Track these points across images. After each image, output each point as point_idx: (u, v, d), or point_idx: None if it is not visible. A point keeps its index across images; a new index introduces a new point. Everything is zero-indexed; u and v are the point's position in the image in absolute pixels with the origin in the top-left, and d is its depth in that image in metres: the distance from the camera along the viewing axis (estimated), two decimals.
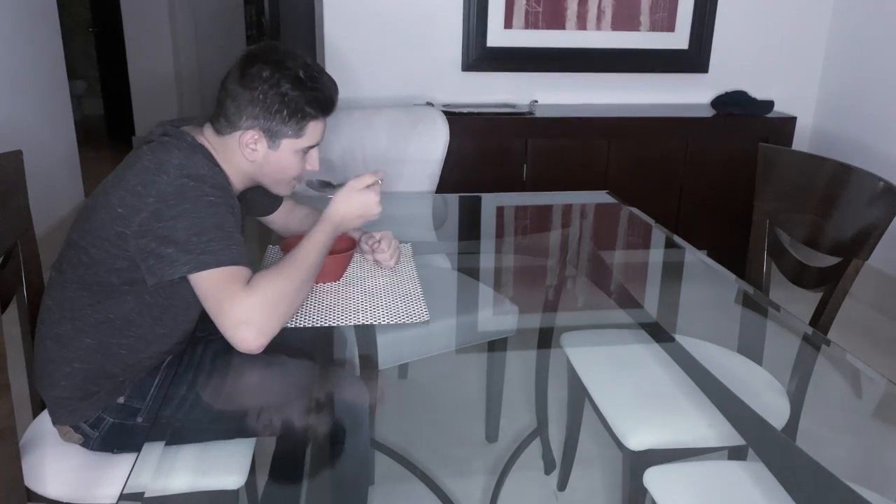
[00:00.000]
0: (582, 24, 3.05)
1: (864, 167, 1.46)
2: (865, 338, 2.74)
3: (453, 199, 2.28)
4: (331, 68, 2.94)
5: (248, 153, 1.25)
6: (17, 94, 3.16)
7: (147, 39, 5.39)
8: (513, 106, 3.00)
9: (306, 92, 1.23)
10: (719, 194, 3.00)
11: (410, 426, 1.93)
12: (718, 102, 3.10)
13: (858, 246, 1.40)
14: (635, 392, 1.39)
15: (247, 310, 1.09)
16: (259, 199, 1.50)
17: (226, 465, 1.17)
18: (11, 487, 1.08)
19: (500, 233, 2.13)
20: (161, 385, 1.27)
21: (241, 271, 1.12)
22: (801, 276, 1.55)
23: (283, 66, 1.22)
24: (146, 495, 0.92)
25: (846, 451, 1.12)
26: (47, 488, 1.19)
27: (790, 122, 3.00)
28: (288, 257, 1.20)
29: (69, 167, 3.78)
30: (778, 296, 1.58)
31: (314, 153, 1.32)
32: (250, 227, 1.52)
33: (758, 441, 1.18)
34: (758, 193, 1.70)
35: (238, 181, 1.29)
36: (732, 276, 1.64)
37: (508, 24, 3.01)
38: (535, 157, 2.84)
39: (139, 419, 1.25)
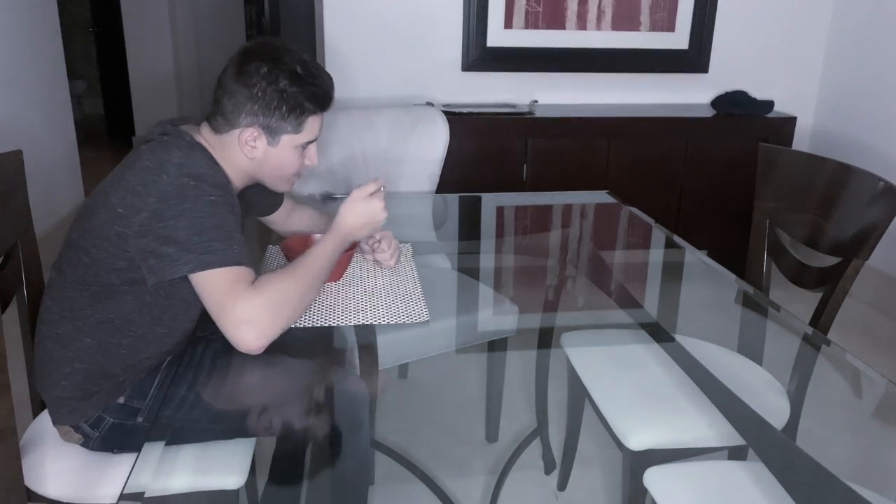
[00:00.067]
0: (582, 24, 3.05)
1: (864, 167, 1.46)
2: (865, 338, 2.74)
3: (453, 199, 2.28)
4: (331, 68, 2.93)
5: (247, 150, 1.25)
6: (16, 94, 3.16)
7: (147, 39, 5.38)
8: (513, 106, 3.00)
9: (304, 87, 1.23)
10: (719, 194, 3.00)
11: (410, 426, 1.93)
12: (718, 102, 3.10)
13: (858, 246, 1.40)
14: (635, 392, 1.39)
15: (251, 310, 1.09)
16: (260, 198, 1.50)
17: (226, 465, 1.17)
18: (11, 487, 1.08)
19: (500, 233, 2.13)
20: (161, 385, 1.27)
21: (244, 272, 1.12)
22: (801, 276, 1.55)
23: (281, 62, 1.22)
24: (146, 495, 0.92)
25: (846, 451, 1.12)
26: (47, 488, 1.19)
27: (790, 122, 3.00)
28: (296, 262, 1.21)
29: (69, 167, 3.78)
30: (778, 296, 1.58)
31: (313, 148, 1.32)
32: (250, 227, 1.52)
33: (758, 441, 1.18)
34: (758, 193, 1.70)
35: (237, 179, 1.29)
36: (732, 276, 1.64)
37: (508, 24, 3.01)
38: (535, 157, 2.84)
39: (139, 419, 1.25)
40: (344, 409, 1.27)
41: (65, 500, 1.19)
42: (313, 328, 1.27)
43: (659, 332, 1.52)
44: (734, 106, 3.04)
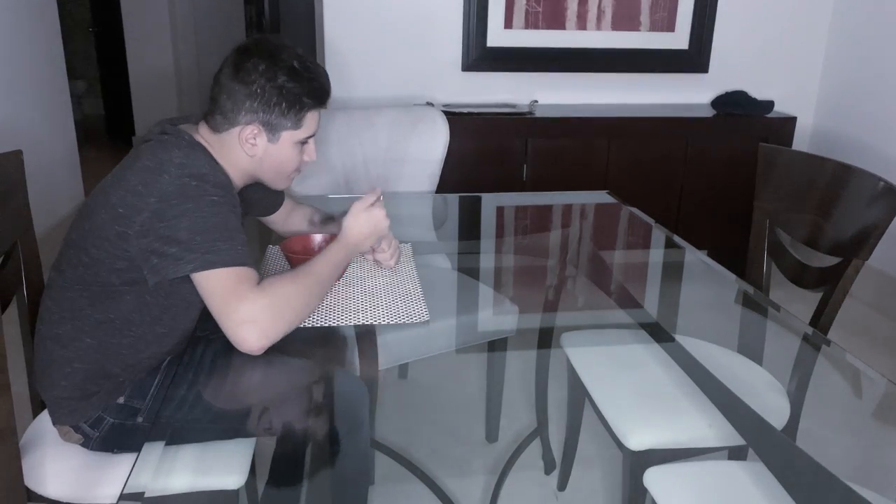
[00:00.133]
0: (582, 24, 3.05)
1: (864, 167, 1.46)
2: (865, 338, 2.74)
3: (453, 199, 2.28)
4: (331, 68, 2.94)
5: (248, 148, 1.25)
6: (17, 94, 3.16)
7: (147, 39, 5.38)
8: (513, 106, 3.00)
9: (303, 83, 1.24)
10: (719, 194, 3.00)
11: (410, 426, 1.93)
12: (718, 102, 3.10)
13: (858, 246, 1.40)
14: (635, 392, 1.39)
15: (254, 310, 1.09)
16: (260, 198, 1.50)
17: (226, 465, 1.17)
18: (11, 487, 1.08)
19: (500, 233, 2.13)
20: (161, 385, 1.27)
21: (248, 272, 1.12)
22: (801, 276, 1.55)
23: (278, 59, 1.22)
24: (146, 495, 0.92)
25: (846, 451, 1.12)
26: (47, 488, 1.19)
27: (790, 122, 3.00)
28: (302, 268, 1.23)
29: (69, 167, 3.78)
30: (778, 296, 1.58)
31: (311, 144, 1.33)
32: (250, 227, 1.52)
33: (758, 441, 1.18)
34: (758, 193, 1.70)
35: (237, 178, 1.29)
36: (732, 276, 1.64)
37: (508, 24, 3.01)
38: (535, 157, 2.84)
39: (139, 419, 1.25)
40: (344, 409, 1.27)
41: (65, 500, 1.19)
42: (313, 328, 1.27)
43: (659, 332, 1.52)
44: (734, 106, 3.04)
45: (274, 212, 1.58)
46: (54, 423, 1.25)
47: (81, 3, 6.36)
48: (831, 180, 1.52)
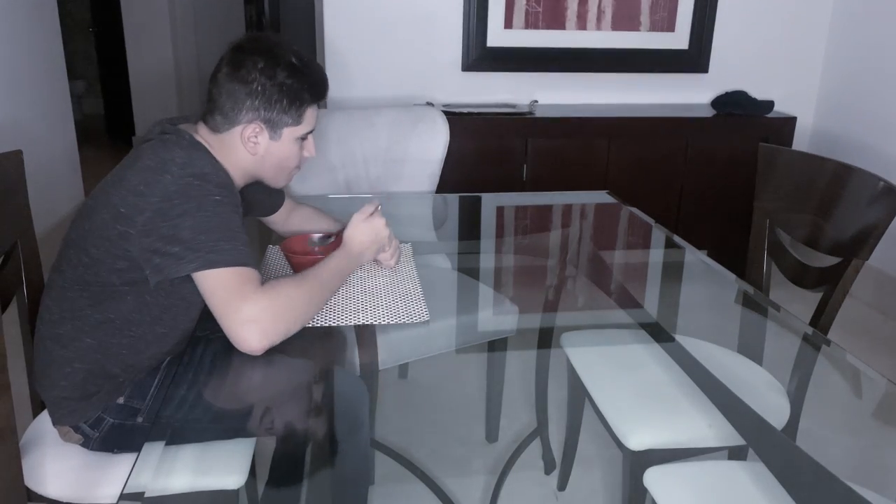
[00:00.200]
0: (582, 24, 3.05)
1: (864, 167, 1.46)
2: (865, 338, 2.74)
3: (453, 199, 2.28)
4: (331, 68, 2.94)
5: (250, 147, 1.25)
6: (17, 94, 3.16)
7: (147, 39, 5.38)
8: (513, 106, 3.00)
9: (302, 78, 1.25)
10: (719, 194, 3.00)
11: (410, 426, 1.93)
12: (718, 102, 3.10)
13: (858, 246, 1.40)
14: (635, 392, 1.39)
15: (257, 311, 1.09)
16: (261, 198, 1.50)
17: (226, 465, 1.17)
18: (11, 487, 1.08)
19: (500, 233, 2.13)
20: (161, 385, 1.27)
21: (250, 272, 1.13)
22: (801, 276, 1.55)
23: (276, 56, 1.23)
24: (146, 495, 0.92)
25: (846, 451, 1.12)
26: (47, 488, 1.19)
27: (790, 122, 3.00)
28: (306, 272, 1.24)
29: (69, 167, 3.78)
30: (778, 296, 1.58)
31: (311, 139, 1.34)
32: (250, 227, 1.52)
33: (758, 441, 1.18)
34: (758, 193, 1.70)
35: (238, 178, 1.29)
36: (732, 276, 1.64)
37: (508, 24, 3.01)
38: (535, 157, 2.84)
39: (139, 419, 1.25)
40: (344, 410, 1.27)
41: (65, 500, 1.19)
42: (313, 328, 1.27)
43: (659, 332, 1.52)
44: (734, 106, 3.04)
45: (274, 212, 1.59)
46: (54, 424, 1.25)
47: (81, 3, 6.36)
48: (831, 180, 1.52)
